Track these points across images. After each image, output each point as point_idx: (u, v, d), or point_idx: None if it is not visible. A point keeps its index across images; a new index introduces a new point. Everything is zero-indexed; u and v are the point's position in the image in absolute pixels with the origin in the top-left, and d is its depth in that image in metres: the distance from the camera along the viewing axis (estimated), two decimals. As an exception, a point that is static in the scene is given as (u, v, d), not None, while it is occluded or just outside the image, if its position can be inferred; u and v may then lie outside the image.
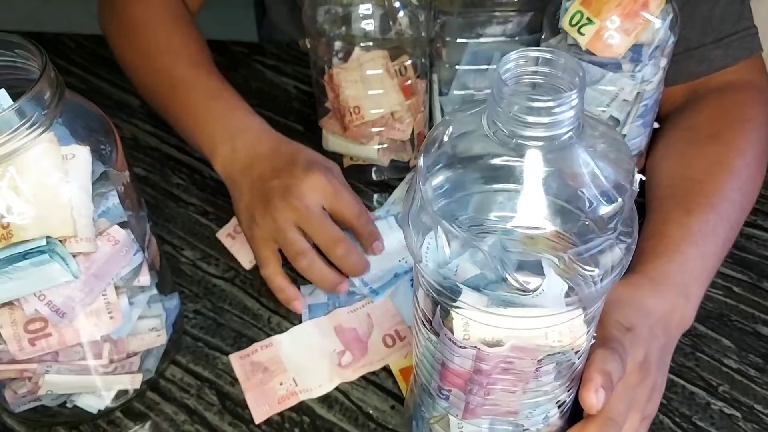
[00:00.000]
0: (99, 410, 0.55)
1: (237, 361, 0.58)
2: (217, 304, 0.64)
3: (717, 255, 0.59)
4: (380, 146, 0.71)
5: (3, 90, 0.44)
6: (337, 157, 0.74)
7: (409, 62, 0.68)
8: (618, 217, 0.37)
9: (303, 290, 0.63)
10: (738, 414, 0.54)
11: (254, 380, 0.57)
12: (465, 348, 0.40)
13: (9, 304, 0.46)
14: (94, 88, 0.87)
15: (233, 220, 0.70)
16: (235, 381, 0.58)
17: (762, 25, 0.70)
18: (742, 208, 0.62)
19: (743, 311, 0.61)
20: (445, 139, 0.39)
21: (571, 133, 0.36)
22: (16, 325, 0.47)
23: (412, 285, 0.63)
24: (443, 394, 0.45)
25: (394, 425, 0.55)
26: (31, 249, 0.43)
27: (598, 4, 0.60)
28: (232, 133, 0.66)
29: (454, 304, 0.39)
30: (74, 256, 0.45)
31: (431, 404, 0.47)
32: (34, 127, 0.43)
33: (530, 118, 0.35)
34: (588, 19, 0.60)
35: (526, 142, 0.36)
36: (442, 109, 0.76)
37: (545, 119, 0.35)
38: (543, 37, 0.66)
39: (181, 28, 0.75)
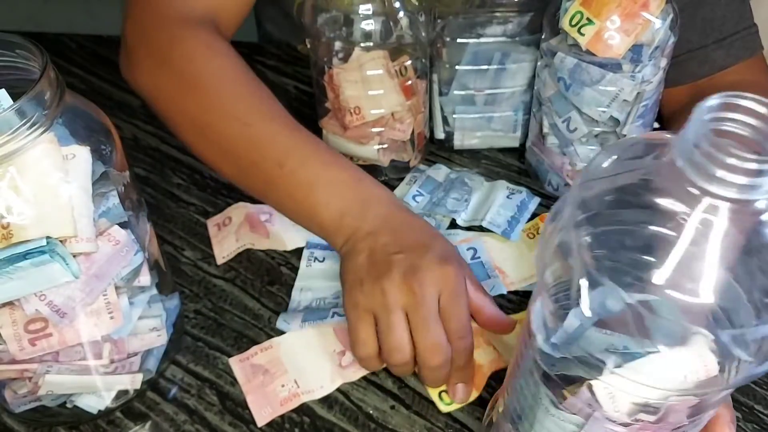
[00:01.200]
0: (99, 410, 0.55)
1: (237, 364, 0.58)
2: (217, 304, 0.64)
3: None
4: (380, 146, 0.71)
5: (3, 90, 0.44)
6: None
7: (409, 62, 0.68)
8: None
9: (294, 293, 0.63)
10: (738, 414, 0.54)
11: (255, 383, 0.57)
12: (628, 425, 0.36)
13: (9, 304, 0.46)
14: (95, 88, 0.87)
15: (225, 211, 0.71)
16: (235, 381, 0.58)
17: (762, 24, 0.70)
18: None
19: (743, 311, 0.61)
20: (605, 173, 0.35)
21: (766, 200, 0.31)
22: (16, 325, 0.47)
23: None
24: None
25: (394, 425, 0.55)
26: (31, 249, 0.43)
27: (598, 4, 0.60)
28: (362, 203, 0.57)
29: (595, 375, 0.35)
30: (74, 256, 0.46)
31: None
32: (35, 127, 0.43)
33: (725, 174, 0.30)
34: (588, 19, 0.60)
35: (710, 199, 0.31)
36: (442, 109, 0.76)
37: (743, 179, 0.30)
38: (543, 37, 0.66)
39: (256, 87, 0.65)
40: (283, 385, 0.57)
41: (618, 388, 0.36)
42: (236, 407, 0.56)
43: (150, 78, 0.66)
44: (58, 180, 0.44)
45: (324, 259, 0.67)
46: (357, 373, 0.58)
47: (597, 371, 0.36)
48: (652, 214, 0.33)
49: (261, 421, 0.55)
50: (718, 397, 0.38)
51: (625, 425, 0.37)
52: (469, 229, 0.68)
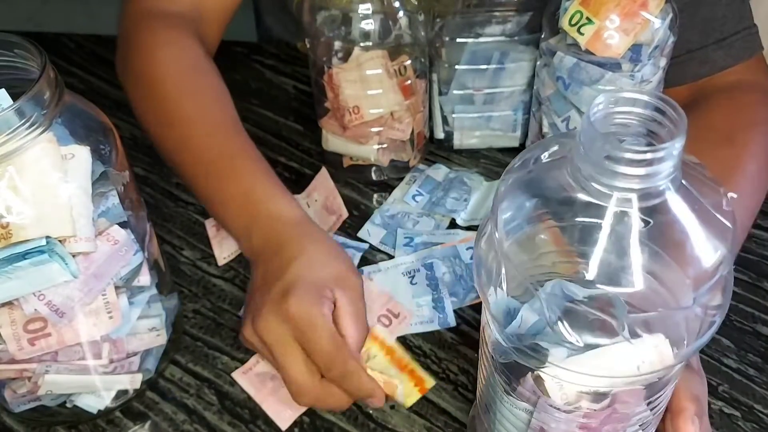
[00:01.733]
0: (99, 410, 0.55)
1: (241, 377, 0.58)
2: (216, 304, 0.64)
3: None
4: (380, 146, 0.71)
5: (3, 90, 0.44)
6: (336, 157, 0.74)
7: (408, 62, 0.68)
8: (705, 289, 0.34)
9: None
10: (737, 413, 0.54)
11: (266, 390, 0.57)
12: (571, 412, 0.38)
13: (8, 303, 0.46)
14: (94, 88, 0.87)
15: None
16: (234, 381, 0.58)
17: (761, 24, 0.70)
18: (752, 213, 0.63)
19: (743, 311, 0.61)
20: (531, 167, 0.37)
21: (665, 185, 0.33)
22: (15, 324, 0.47)
23: (410, 276, 0.63)
24: None
25: (393, 425, 0.55)
26: (30, 249, 0.43)
27: (598, 3, 0.60)
28: (253, 221, 0.58)
29: (540, 365, 0.37)
30: (74, 256, 0.45)
31: None
32: (34, 127, 0.43)
33: (622, 168, 0.32)
34: (587, 18, 0.60)
35: (612, 192, 0.33)
36: (441, 109, 0.76)
37: (641, 170, 0.32)
38: (542, 36, 0.66)
39: (206, 86, 0.66)
40: None
41: (566, 379, 0.37)
42: (235, 407, 0.56)
43: (122, 74, 0.70)
44: (57, 180, 0.44)
45: None
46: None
47: (544, 362, 0.37)
48: (573, 212, 0.35)
49: (284, 424, 0.55)
50: (671, 375, 0.39)
51: (573, 413, 0.38)
52: (468, 228, 0.68)
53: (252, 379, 0.57)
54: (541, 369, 0.37)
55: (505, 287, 0.37)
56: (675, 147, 0.32)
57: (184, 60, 0.67)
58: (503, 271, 0.36)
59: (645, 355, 0.35)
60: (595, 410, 0.37)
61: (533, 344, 0.36)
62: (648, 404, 0.39)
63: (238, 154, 0.62)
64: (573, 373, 0.36)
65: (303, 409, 0.55)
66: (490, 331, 0.40)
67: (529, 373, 0.38)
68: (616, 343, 0.34)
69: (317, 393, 0.51)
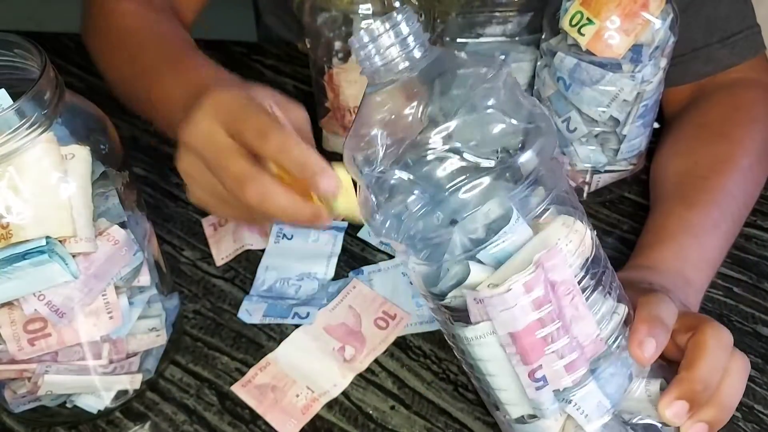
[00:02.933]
0: (99, 410, 0.55)
1: (241, 390, 0.57)
2: (216, 304, 0.64)
3: (718, 248, 0.59)
4: (380, 146, 0.71)
5: (3, 90, 0.44)
6: (337, 157, 0.73)
7: (408, 62, 0.68)
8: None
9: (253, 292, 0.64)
10: (738, 414, 0.54)
11: (267, 402, 0.56)
12: (515, 304, 0.38)
13: (8, 304, 0.46)
14: (94, 87, 0.87)
15: None
16: (234, 381, 0.58)
17: (762, 24, 0.70)
18: (745, 206, 0.63)
19: (743, 311, 0.61)
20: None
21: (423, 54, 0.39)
22: (15, 325, 0.47)
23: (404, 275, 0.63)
24: (538, 379, 0.40)
25: (393, 425, 0.55)
26: (30, 249, 0.43)
27: (598, 4, 0.60)
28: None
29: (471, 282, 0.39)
30: (74, 256, 0.45)
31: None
32: (34, 127, 0.43)
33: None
34: (588, 19, 0.60)
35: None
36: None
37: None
38: (543, 37, 0.66)
39: (168, 27, 0.67)
40: (297, 395, 0.56)
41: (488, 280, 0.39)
42: (235, 407, 0.56)
43: (86, 35, 0.73)
44: (57, 180, 0.44)
45: (292, 236, 0.67)
46: (364, 362, 0.58)
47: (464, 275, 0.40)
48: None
49: None
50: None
51: (512, 305, 0.38)
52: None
53: (252, 392, 0.57)
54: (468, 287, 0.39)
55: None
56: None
57: (148, 12, 0.69)
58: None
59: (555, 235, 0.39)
60: (528, 279, 0.38)
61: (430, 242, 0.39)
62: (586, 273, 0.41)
63: (188, 54, 0.62)
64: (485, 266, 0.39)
65: (307, 419, 0.55)
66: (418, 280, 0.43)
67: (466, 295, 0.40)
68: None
69: (262, 181, 0.46)
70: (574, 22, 0.61)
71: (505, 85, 0.40)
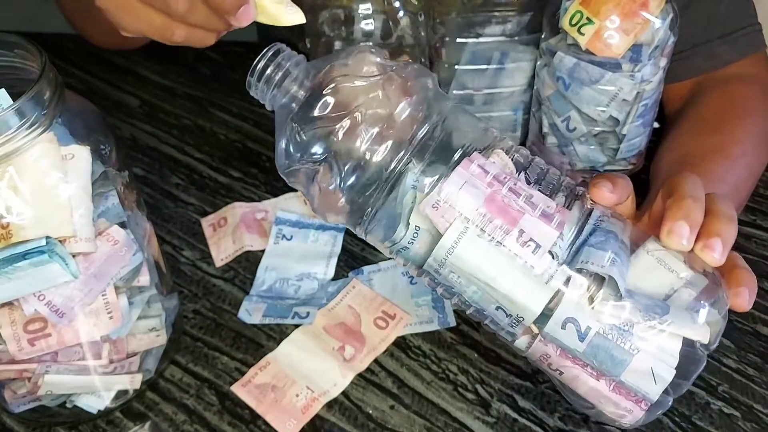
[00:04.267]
0: (99, 410, 0.55)
1: (241, 390, 0.57)
2: (216, 304, 0.64)
3: None
4: (380, 146, 0.71)
5: (3, 90, 0.44)
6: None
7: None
8: None
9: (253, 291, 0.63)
10: (737, 413, 0.54)
11: (268, 402, 0.56)
12: (468, 177, 0.42)
13: (8, 304, 0.46)
14: (94, 88, 0.87)
15: (220, 212, 0.71)
16: (234, 381, 0.58)
17: (762, 22, 0.70)
18: (738, 191, 0.62)
19: (743, 311, 0.61)
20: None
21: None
22: (15, 325, 0.47)
23: (410, 276, 0.63)
24: (528, 243, 0.41)
25: (393, 425, 0.55)
26: (30, 249, 0.43)
27: (598, 3, 0.60)
28: None
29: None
30: (74, 256, 0.45)
31: None
32: (34, 127, 0.43)
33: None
34: (588, 18, 0.60)
35: None
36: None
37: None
38: (543, 37, 0.66)
39: None
40: (297, 395, 0.56)
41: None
42: (235, 407, 0.56)
43: None
44: (57, 180, 0.44)
45: (292, 237, 0.67)
46: (364, 362, 0.58)
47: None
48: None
49: None
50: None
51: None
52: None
53: (252, 391, 0.57)
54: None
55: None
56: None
57: None
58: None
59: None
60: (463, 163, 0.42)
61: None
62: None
63: None
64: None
65: (307, 419, 0.55)
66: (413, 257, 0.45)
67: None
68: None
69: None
70: (573, 22, 0.61)
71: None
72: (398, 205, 0.43)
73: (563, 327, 0.42)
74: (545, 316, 0.42)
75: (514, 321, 0.43)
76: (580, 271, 0.41)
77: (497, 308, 0.43)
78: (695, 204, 0.42)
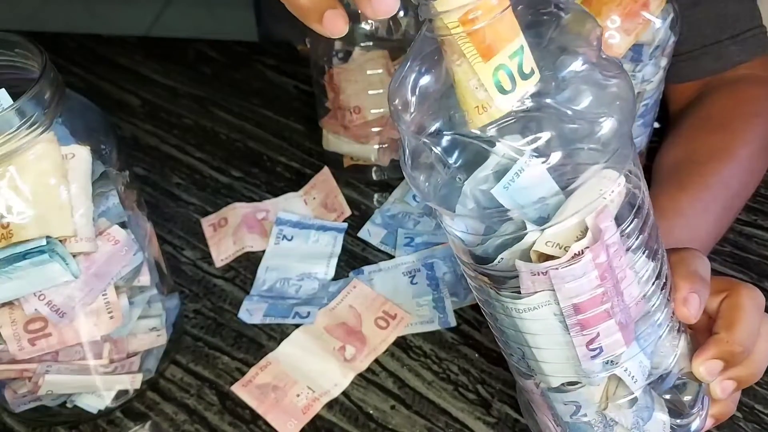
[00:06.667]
0: (99, 410, 0.55)
1: (241, 390, 0.57)
2: (217, 304, 0.64)
3: (707, 232, 0.59)
4: (380, 146, 0.71)
5: (3, 90, 0.44)
6: (337, 156, 0.74)
7: (409, 62, 0.68)
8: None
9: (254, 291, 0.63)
10: (738, 414, 0.54)
11: (268, 401, 0.56)
12: (583, 273, 0.35)
13: (9, 303, 0.46)
14: (94, 87, 0.87)
15: (220, 212, 0.71)
16: (235, 381, 0.58)
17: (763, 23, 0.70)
18: (738, 195, 0.63)
19: (743, 311, 0.61)
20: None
21: None
22: (16, 324, 0.47)
23: (411, 276, 0.63)
24: (594, 349, 0.38)
25: (394, 425, 0.55)
26: (31, 249, 0.43)
27: (599, 3, 0.60)
28: None
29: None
30: (74, 256, 0.45)
31: (575, 397, 0.41)
32: (34, 126, 0.43)
33: None
34: (588, 18, 0.60)
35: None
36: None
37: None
38: (543, 36, 0.66)
39: None
40: (298, 395, 0.56)
41: (554, 240, 0.36)
42: (236, 407, 0.56)
43: None
44: (57, 179, 0.44)
45: (292, 237, 0.67)
46: (365, 362, 0.58)
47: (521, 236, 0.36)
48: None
49: None
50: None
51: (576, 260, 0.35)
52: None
53: (253, 391, 0.57)
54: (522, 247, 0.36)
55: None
56: None
57: None
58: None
59: (598, 186, 0.36)
60: (594, 246, 0.35)
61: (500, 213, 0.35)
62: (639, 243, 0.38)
63: None
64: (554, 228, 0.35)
65: (308, 419, 0.55)
66: (462, 247, 0.39)
67: (518, 264, 0.37)
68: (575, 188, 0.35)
69: None
70: (574, 22, 0.61)
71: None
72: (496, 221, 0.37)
73: (564, 403, 0.41)
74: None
75: (526, 370, 0.42)
76: (616, 365, 0.39)
77: (521, 353, 0.41)
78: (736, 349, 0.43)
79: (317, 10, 0.38)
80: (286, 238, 0.67)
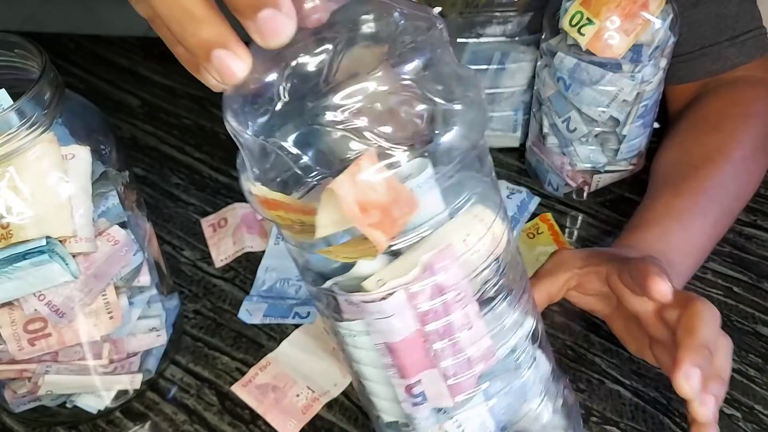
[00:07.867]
0: (99, 410, 0.55)
1: (241, 390, 0.57)
2: (216, 304, 0.64)
3: (705, 234, 0.59)
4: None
5: (3, 90, 0.44)
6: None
7: (408, 62, 0.68)
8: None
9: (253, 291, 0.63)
10: (738, 414, 0.54)
11: (268, 402, 0.56)
12: (392, 314, 0.33)
13: (8, 304, 0.46)
14: (94, 88, 0.87)
15: (220, 212, 0.71)
16: (234, 381, 0.58)
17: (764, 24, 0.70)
18: (736, 197, 0.63)
19: (743, 311, 0.61)
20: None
21: None
22: (15, 325, 0.47)
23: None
24: (416, 395, 0.36)
25: (393, 425, 0.55)
26: (30, 249, 0.43)
27: (598, 4, 0.60)
28: None
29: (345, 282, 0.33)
30: (74, 256, 0.45)
31: None
32: (34, 127, 0.43)
33: None
34: (588, 19, 0.60)
35: None
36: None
37: None
38: (543, 37, 0.66)
39: None
40: (297, 395, 0.56)
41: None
42: (235, 407, 0.56)
43: None
44: (57, 180, 0.44)
45: None
46: None
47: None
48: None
49: None
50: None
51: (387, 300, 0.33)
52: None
53: (252, 391, 0.57)
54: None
55: None
56: None
57: None
58: None
59: (470, 229, 0.33)
60: (419, 291, 0.32)
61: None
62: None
63: None
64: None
65: (308, 419, 0.55)
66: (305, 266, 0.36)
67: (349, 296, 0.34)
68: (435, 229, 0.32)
69: None
70: (573, 22, 0.61)
71: (436, 48, 0.33)
72: None
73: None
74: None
75: (365, 400, 0.40)
76: (449, 417, 0.37)
77: (357, 380, 0.39)
78: (709, 355, 0.44)
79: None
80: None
